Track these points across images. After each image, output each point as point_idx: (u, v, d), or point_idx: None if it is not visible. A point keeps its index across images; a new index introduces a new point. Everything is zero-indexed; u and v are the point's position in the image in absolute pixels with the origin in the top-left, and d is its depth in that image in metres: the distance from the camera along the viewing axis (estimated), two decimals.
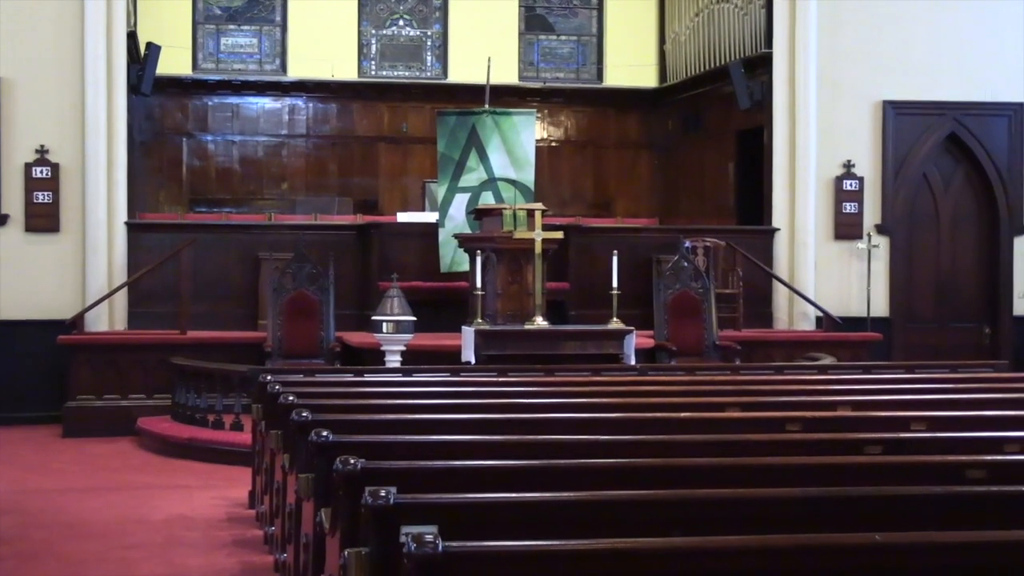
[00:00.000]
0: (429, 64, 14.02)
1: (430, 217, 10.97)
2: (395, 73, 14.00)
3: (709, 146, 12.98)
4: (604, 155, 14.15)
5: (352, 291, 10.24)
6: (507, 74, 13.62)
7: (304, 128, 13.73)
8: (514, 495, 3.00)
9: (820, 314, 10.89)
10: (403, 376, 6.30)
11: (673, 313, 9.32)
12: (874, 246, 11.15)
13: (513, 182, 10.07)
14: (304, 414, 4.17)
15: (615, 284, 8.11)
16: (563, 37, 14.27)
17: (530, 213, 8.33)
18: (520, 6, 14.03)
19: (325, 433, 3.71)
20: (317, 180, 13.59)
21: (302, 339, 8.98)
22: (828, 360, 8.62)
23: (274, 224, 11.51)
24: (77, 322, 9.62)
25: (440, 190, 10.20)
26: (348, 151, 13.70)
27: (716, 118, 12.87)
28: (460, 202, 10.07)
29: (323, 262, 9.20)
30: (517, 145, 10.16)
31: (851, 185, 11.36)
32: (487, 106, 10.34)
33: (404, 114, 13.88)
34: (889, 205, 11.40)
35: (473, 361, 7.65)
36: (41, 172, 10.06)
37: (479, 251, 8.27)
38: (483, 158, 10.12)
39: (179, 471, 7.89)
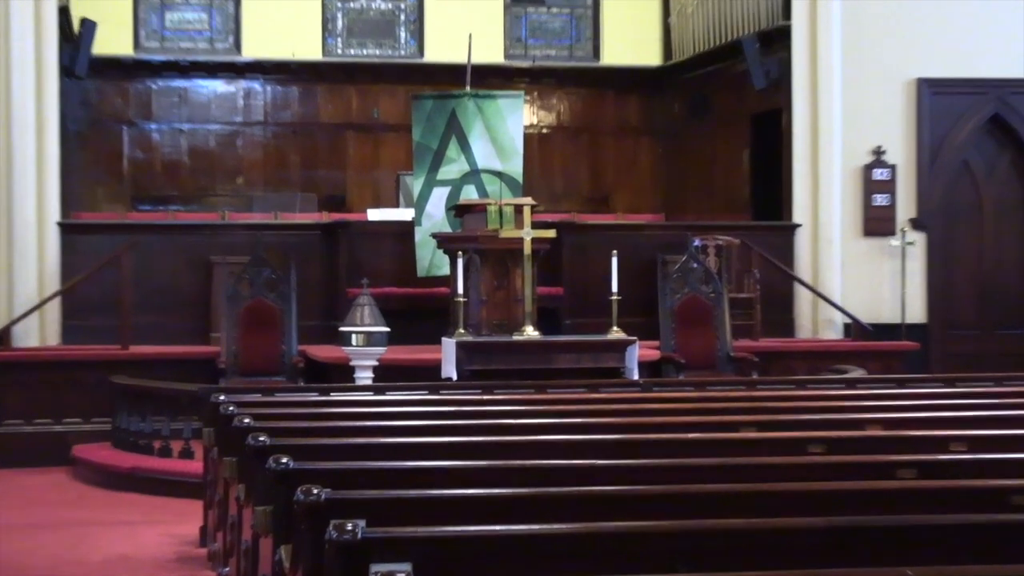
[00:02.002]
0: (403, 41, 14.05)
1: (405, 215, 11.01)
2: (364, 52, 14.03)
3: (720, 132, 13.03)
4: (601, 143, 14.20)
5: (317, 299, 10.29)
6: (491, 52, 13.65)
7: (261, 115, 13.74)
8: (499, 527, 3.00)
9: (848, 321, 10.96)
10: (375, 395, 6.34)
11: (681, 321, 9.35)
12: (908, 243, 11.21)
13: (499, 174, 10.10)
14: (261, 438, 4.16)
15: (615, 289, 8.16)
16: (554, 10, 14.31)
17: (518, 209, 8.36)
18: None
19: (285, 460, 3.71)
20: (277, 173, 13.63)
21: (260, 354, 9.00)
22: (857, 373, 8.64)
23: (228, 224, 11.52)
24: (3, 337, 9.60)
25: (416, 184, 10.23)
26: (312, 141, 13.74)
27: (728, 100, 12.93)
28: (439, 197, 10.08)
29: (284, 266, 9.23)
30: (503, 132, 10.18)
31: (882, 174, 11.41)
32: (468, 88, 10.37)
33: (375, 98, 13.90)
34: (925, 196, 11.45)
35: (455, 377, 7.69)
36: None
37: (461, 253, 8.30)
38: (464, 147, 10.13)
39: (121, 505, 7.87)
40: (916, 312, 11.26)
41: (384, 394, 6.27)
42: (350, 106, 13.91)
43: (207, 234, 10.71)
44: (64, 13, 11.00)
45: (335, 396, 6.25)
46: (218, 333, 9.59)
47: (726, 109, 12.98)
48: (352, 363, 8.23)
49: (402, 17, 14.07)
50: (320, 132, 13.80)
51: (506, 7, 14.17)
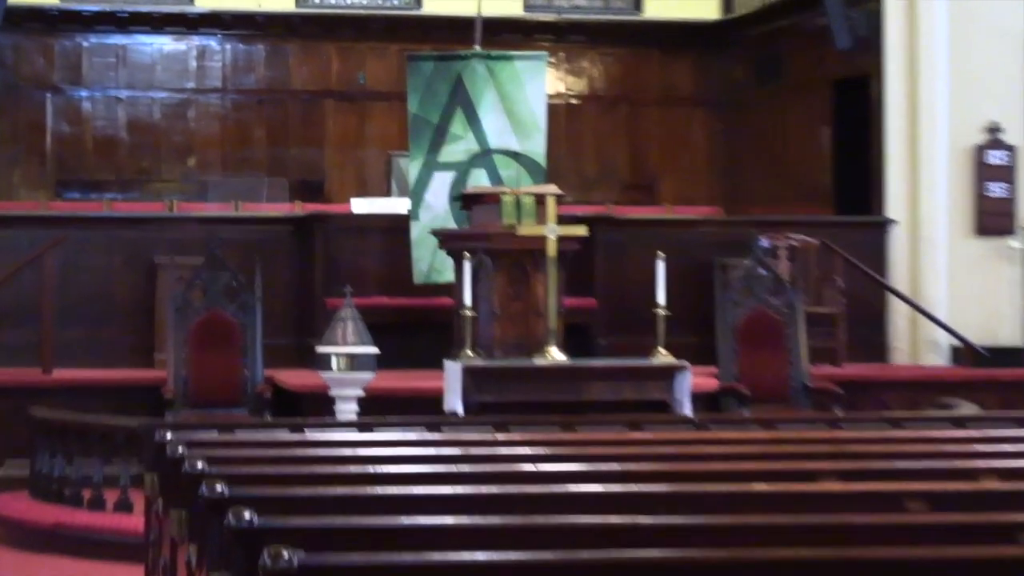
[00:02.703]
0: None
1: (398, 206, 11.04)
2: (347, 1, 14.08)
3: (794, 103, 13.01)
4: (644, 116, 14.20)
5: (288, 311, 10.35)
6: (507, 2, 13.68)
7: (219, 80, 13.79)
8: None
9: (956, 343, 10.93)
10: (360, 433, 6.38)
11: (745, 342, 9.33)
12: None
13: (516, 155, 10.15)
14: (218, 487, 4.16)
15: (662, 300, 8.16)
16: None
17: (540, 199, 8.39)
18: None
19: (248, 514, 3.70)
20: (238, 153, 13.65)
21: (217, 380, 9.02)
22: (968, 409, 8.62)
23: (177, 216, 11.60)
24: None
25: (412, 167, 10.25)
26: (282, 112, 13.78)
27: (803, 63, 12.93)
28: (441, 184, 10.11)
29: (247, 270, 9.23)
30: (521, 103, 10.20)
31: (998, 158, 11.38)
32: (478, 47, 10.41)
33: (361, 59, 13.96)
34: None
35: (461, 412, 7.73)
36: None
37: (468, 254, 8.30)
38: (473, 122, 10.16)
39: (42, 570, 7.83)
40: None
41: (372, 432, 6.31)
42: (329, 69, 13.97)
43: (150, 229, 10.73)
44: None
45: (310, 434, 6.30)
46: (163, 354, 9.58)
47: (801, 74, 12.98)
48: (332, 393, 8.28)
49: None
50: (292, 102, 13.85)
51: None
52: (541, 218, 8.27)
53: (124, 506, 8.27)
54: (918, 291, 11.13)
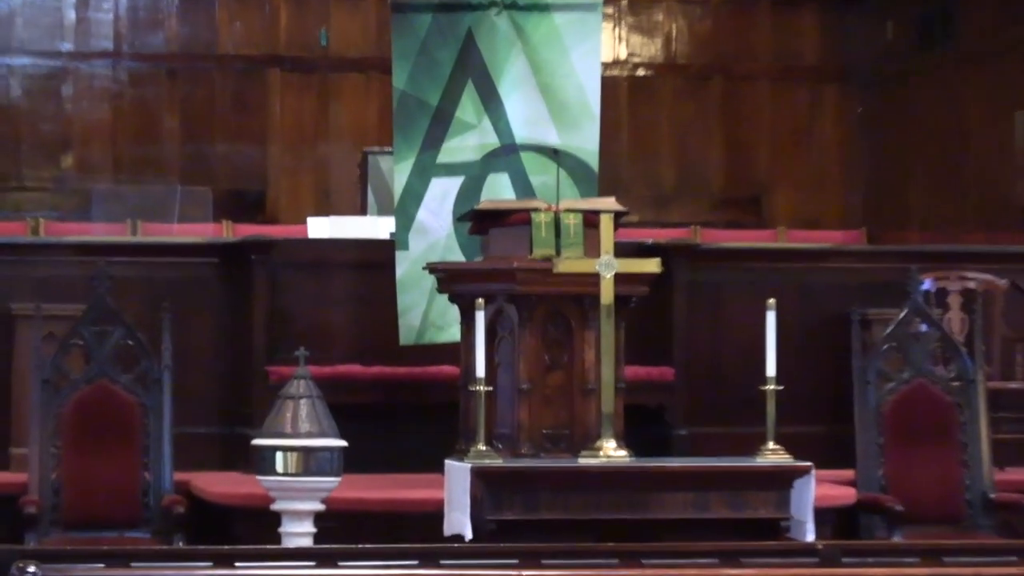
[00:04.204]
0: None
1: (377, 228, 11.09)
2: None
3: (972, 77, 13.05)
4: (748, 96, 14.32)
5: (212, 386, 10.35)
6: None
7: (110, 39, 13.91)
8: None
9: None
10: (319, 569, 6.39)
11: (896, 433, 9.36)
12: None
13: (555, 153, 9.99)
14: None
15: (772, 371, 8.17)
16: None
17: (590, 220, 8.39)
18: None
19: None
20: (138, 150, 13.73)
21: (104, 487, 9.02)
22: None
23: (44, 242, 11.57)
24: None
25: (400, 170, 10.14)
26: (204, 88, 13.92)
27: (987, 21, 13.00)
28: (442, 196, 10.10)
29: (151, 325, 9.26)
30: (563, 76, 10.14)
31: None
32: None
33: (322, 10, 14.13)
34: None
35: (469, 536, 7.70)
36: None
37: (482, 301, 8.26)
38: (490, 102, 10.13)
39: None
40: None
41: (336, 567, 6.32)
42: (275, 25, 14.17)
43: (4, 262, 10.65)
44: None
45: (243, 571, 6.30)
46: (24, 448, 9.55)
47: (984, 38, 13.03)
48: (276, 507, 8.22)
49: None
50: (220, 73, 13.97)
51: None
52: (592, 248, 8.27)
53: None
54: None
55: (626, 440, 8.32)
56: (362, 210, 12.48)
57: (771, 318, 8.16)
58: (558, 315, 8.56)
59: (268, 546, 7.72)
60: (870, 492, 9.23)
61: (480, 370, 8.10)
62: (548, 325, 8.57)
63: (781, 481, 8.03)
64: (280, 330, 10.22)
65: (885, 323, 9.73)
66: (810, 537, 7.92)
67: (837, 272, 11.14)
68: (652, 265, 8.48)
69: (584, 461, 8.06)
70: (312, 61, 14.06)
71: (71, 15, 13.82)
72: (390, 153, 10.61)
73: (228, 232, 12.12)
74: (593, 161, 10.19)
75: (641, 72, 14.35)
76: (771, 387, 8.14)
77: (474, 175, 10.10)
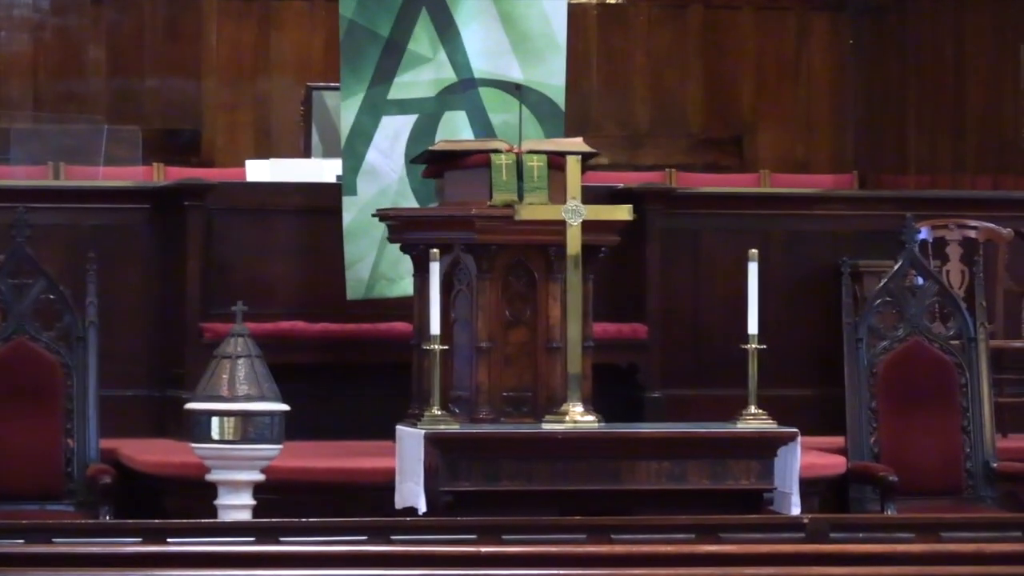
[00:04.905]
0: None
1: (322, 171, 11.24)
2: None
3: (974, 5, 13.21)
4: (729, 24, 14.46)
5: (141, 345, 10.38)
6: None
7: None
8: None
9: None
10: (259, 546, 6.40)
11: (890, 396, 9.28)
12: None
13: (517, 89, 9.91)
14: None
15: (754, 328, 8.15)
16: None
17: (556, 162, 8.46)
18: None
19: None
20: (59, 84, 13.91)
21: (21, 455, 8.91)
22: None
23: None
24: None
25: (347, 107, 10.19)
26: (133, 17, 14.02)
27: None
28: (393, 136, 10.13)
29: (74, 277, 9.21)
30: (524, 2, 10.18)
31: None
32: None
33: None
34: None
35: (423, 509, 7.79)
36: None
37: (437, 252, 8.29)
38: (446, 34, 10.14)
39: None
40: None
41: (278, 544, 6.38)
42: None
43: None
44: None
45: (176, 548, 6.34)
46: None
47: None
48: (212, 477, 8.29)
49: None
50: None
51: None
52: (558, 193, 8.25)
53: None
54: None
55: (594, 404, 8.40)
56: (306, 151, 12.57)
57: (753, 270, 8.20)
58: (520, 266, 8.66)
59: (203, 520, 7.81)
60: (861, 461, 9.19)
61: (435, 327, 8.16)
62: (509, 277, 8.66)
63: (764, 449, 8.11)
64: (216, 283, 10.26)
65: (878, 276, 9.81)
66: (795, 510, 8.05)
67: (826, 220, 11.18)
68: (623, 212, 8.51)
69: (548, 427, 8.09)
70: None
71: None
72: (337, 89, 10.69)
73: (159, 175, 12.32)
74: (559, 97, 10.26)
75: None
76: (753, 346, 8.17)
77: (429, 113, 10.17)
